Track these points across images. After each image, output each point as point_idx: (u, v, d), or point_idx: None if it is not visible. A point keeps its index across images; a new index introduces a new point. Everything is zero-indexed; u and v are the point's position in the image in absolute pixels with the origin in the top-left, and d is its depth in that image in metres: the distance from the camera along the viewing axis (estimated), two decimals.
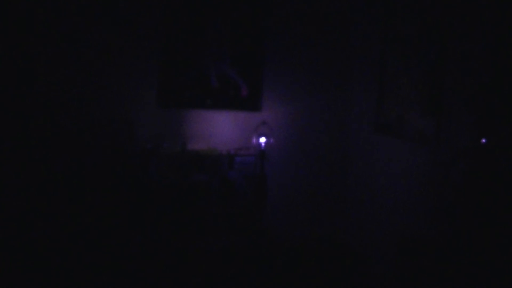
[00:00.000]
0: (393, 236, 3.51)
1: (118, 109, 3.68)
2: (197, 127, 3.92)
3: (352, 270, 3.91)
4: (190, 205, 3.53)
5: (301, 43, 4.19)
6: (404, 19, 3.61)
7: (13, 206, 3.29)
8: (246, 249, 3.55)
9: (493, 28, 2.81)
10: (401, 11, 3.66)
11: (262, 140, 3.90)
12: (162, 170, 3.62)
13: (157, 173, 3.57)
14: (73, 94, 3.55)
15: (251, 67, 4.04)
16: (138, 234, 3.35)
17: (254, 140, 3.93)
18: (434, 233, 3.08)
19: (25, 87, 3.42)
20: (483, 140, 2.79)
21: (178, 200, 3.51)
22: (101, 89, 3.63)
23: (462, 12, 3.06)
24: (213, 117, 3.97)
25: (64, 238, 3.22)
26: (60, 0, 3.47)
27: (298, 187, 4.29)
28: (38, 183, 3.39)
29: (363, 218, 4.08)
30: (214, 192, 3.64)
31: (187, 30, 3.81)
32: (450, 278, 2.72)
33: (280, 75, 4.16)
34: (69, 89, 3.54)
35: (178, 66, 3.82)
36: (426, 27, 3.36)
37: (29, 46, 3.42)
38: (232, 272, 3.43)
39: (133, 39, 3.68)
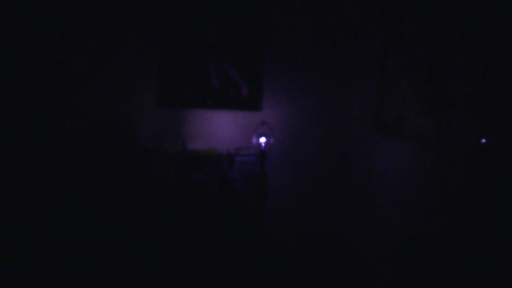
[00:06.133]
0: (393, 236, 3.51)
1: (118, 109, 3.68)
2: (197, 127, 3.92)
3: (352, 270, 3.91)
4: (190, 205, 3.53)
5: (301, 42, 4.19)
6: (405, 19, 3.61)
7: (13, 206, 3.29)
8: (246, 249, 3.55)
9: (493, 28, 2.81)
10: (402, 11, 3.65)
11: (262, 140, 3.90)
12: (162, 170, 3.62)
13: (157, 173, 3.57)
14: (73, 94, 3.55)
15: (251, 67, 4.04)
16: (137, 233, 3.34)
17: (254, 140, 3.93)
18: (434, 233, 3.08)
19: (25, 87, 3.42)
20: (483, 140, 2.79)
21: (178, 200, 3.51)
22: (101, 89, 3.63)
23: (462, 12, 3.06)
24: (213, 117, 3.97)
25: (64, 237, 3.22)
26: (61, 1, 3.47)
27: (298, 187, 4.28)
28: (38, 182, 3.39)
29: (363, 218, 4.08)
30: (214, 192, 3.64)
31: (187, 30, 3.81)
32: (450, 278, 2.72)
33: (280, 75, 4.16)
34: (69, 88, 3.54)
35: (178, 66, 3.82)
36: (426, 27, 3.35)
37: (30, 45, 3.42)
38: (232, 272, 3.43)
39: (133, 39, 3.68)
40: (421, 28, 3.41)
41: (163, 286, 3.25)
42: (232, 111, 4.02)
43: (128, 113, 3.70)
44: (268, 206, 3.98)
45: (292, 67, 4.19)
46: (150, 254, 3.30)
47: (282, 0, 4.10)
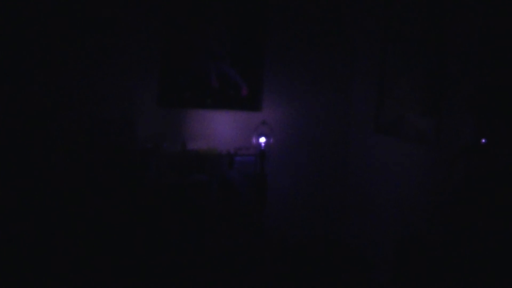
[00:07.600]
0: (393, 236, 3.51)
1: (119, 109, 3.68)
2: (197, 127, 3.92)
3: (352, 270, 3.91)
4: (190, 205, 3.53)
5: (301, 42, 4.19)
6: (405, 19, 3.61)
7: (13, 206, 3.29)
8: (246, 249, 3.55)
9: (492, 28, 2.81)
10: (402, 11, 3.66)
11: (262, 140, 3.90)
12: (162, 170, 3.62)
13: (157, 173, 3.57)
14: (74, 94, 3.56)
15: (251, 67, 4.05)
16: (137, 233, 3.35)
17: (254, 140, 3.93)
18: (434, 233, 3.08)
19: (26, 87, 3.42)
20: (483, 140, 2.79)
21: (178, 200, 3.51)
22: (102, 89, 3.63)
23: (462, 12, 3.06)
24: (213, 117, 3.97)
25: (64, 237, 3.22)
26: (61, 1, 3.47)
27: (298, 187, 4.28)
28: (39, 182, 3.39)
29: (363, 218, 4.08)
30: (214, 192, 3.64)
31: (187, 30, 3.81)
32: (450, 278, 2.72)
33: (280, 75, 4.16)
34: (70, 88, 3.55)
35: (178, 66, 3.82)
36: (426, 27, 3.35)
37: (31, 45, 3.42)
38: (232, 272, 3.43)
39: (134, 39, 3.68)
40: (421, 28, 3.41)
41: (163, 286, 3.25)
42: (232, 111, 4.02)
43: (128, 113, 3.70)
44: (268, 206, 3.97)
45: (292, 67, 4.19)
46: (150, 254, 3.30)
47: (282, 0, 4.11)
